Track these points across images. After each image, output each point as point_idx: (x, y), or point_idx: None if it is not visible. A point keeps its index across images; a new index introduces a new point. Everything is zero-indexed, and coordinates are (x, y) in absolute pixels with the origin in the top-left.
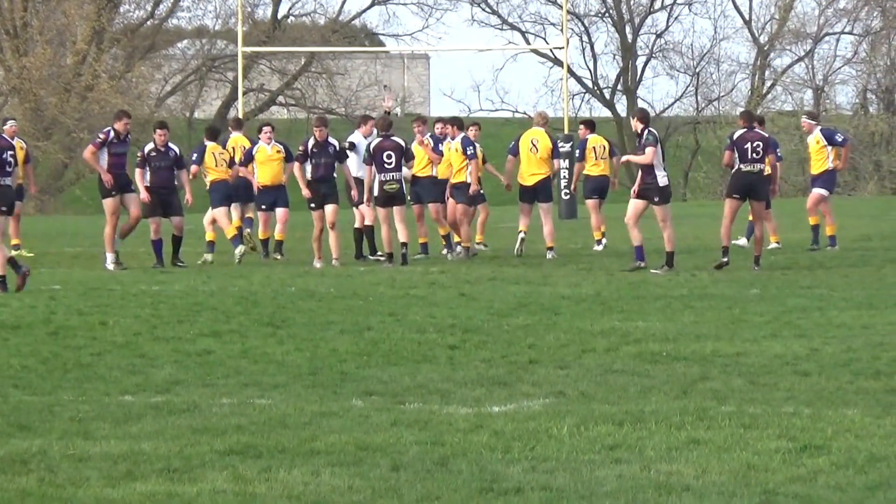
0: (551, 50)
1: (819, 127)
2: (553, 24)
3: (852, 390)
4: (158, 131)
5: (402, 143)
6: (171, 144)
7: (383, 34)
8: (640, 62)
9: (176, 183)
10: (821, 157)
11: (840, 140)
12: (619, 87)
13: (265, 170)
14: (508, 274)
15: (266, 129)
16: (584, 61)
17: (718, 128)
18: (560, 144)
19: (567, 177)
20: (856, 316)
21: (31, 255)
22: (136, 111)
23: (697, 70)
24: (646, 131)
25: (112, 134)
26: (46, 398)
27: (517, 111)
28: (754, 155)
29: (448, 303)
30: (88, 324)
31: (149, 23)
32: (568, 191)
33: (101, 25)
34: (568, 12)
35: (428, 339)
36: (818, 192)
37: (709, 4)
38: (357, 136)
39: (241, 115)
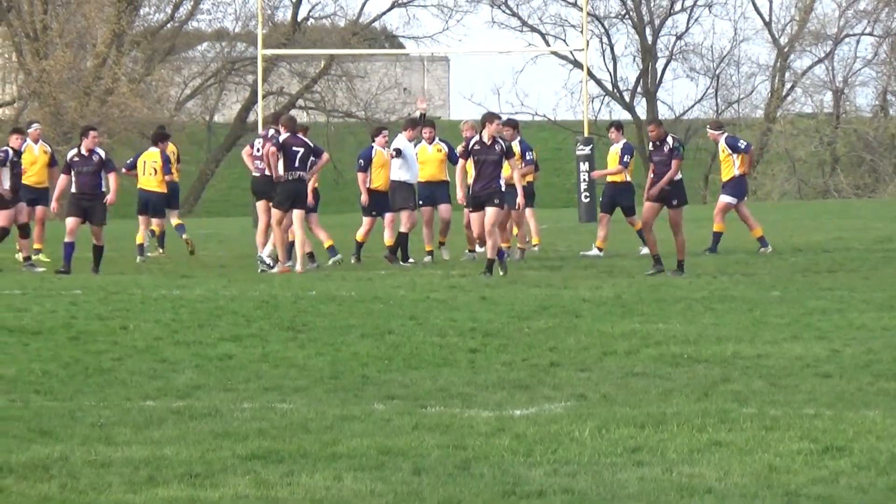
0: (571, 52)
1: (725, 135)
2: (573, 26)
3: (873, 392)
4: (91, 133)
5: (311, 144)
6: (97, 149)
7: (403, 36)
8: (660, 64)
9: (103, 188)
10: (728, 165)
11: (742, 147)
12: (639, 89)
13: (380, 174)
14: (529, 277)
15: (385, 132)
16: (604, 63)
17: (738, 130)
18: (579, 147)
19: (586, 180)
20: (876, 318)
21: (48, 260)
22: (156, 115)
23: (717, 72)
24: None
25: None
26: (68, 403)
27: (537, 114)
28: None
29: (469, 306)
30: (109, 328)
31: (168, 25)
32: (588, 194)
33: (120, 28)
34: (588, 14)
35: (449, 343)
36: (725, 199)
37: (729, 6)
38: (402, 142)
39: (260, 118)
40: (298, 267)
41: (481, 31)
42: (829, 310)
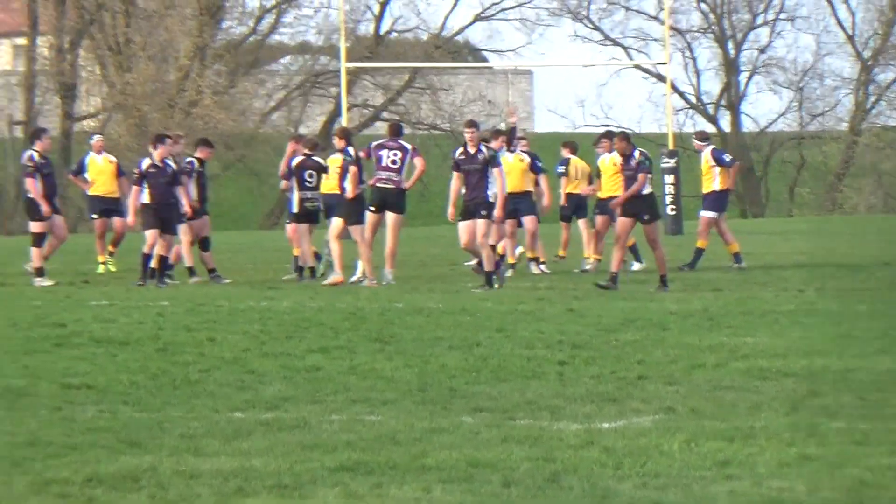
0: (654, 65)
1: (711, 147)
2: (655, 40)
3: None
4: (168, 140)
5: (323, 163)
6: (167, 160)
7: (486, 50)
8: (743, 77)
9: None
10: (709, 177)
11: (728, 161)
12: (723, 102)
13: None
14: (615, 289)
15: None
16: (688, 77)
17: (823, 143)
18: (664, 160)
19: (672, 193)
20: None
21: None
22: (241, 127)
23: (801, 85)
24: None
25: None
26: (156, 415)
27: (621, 126)
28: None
29: (556, 318)
30: (197, 340)
31: (251, 38)
32: (674, 207)
33: (203, 41)
34: (670, 28)
35: (537, 355)
36: (706, 215)
37: (811, 20)
38: None
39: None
40: (331, 277)
41: (564, 45)
42: None
